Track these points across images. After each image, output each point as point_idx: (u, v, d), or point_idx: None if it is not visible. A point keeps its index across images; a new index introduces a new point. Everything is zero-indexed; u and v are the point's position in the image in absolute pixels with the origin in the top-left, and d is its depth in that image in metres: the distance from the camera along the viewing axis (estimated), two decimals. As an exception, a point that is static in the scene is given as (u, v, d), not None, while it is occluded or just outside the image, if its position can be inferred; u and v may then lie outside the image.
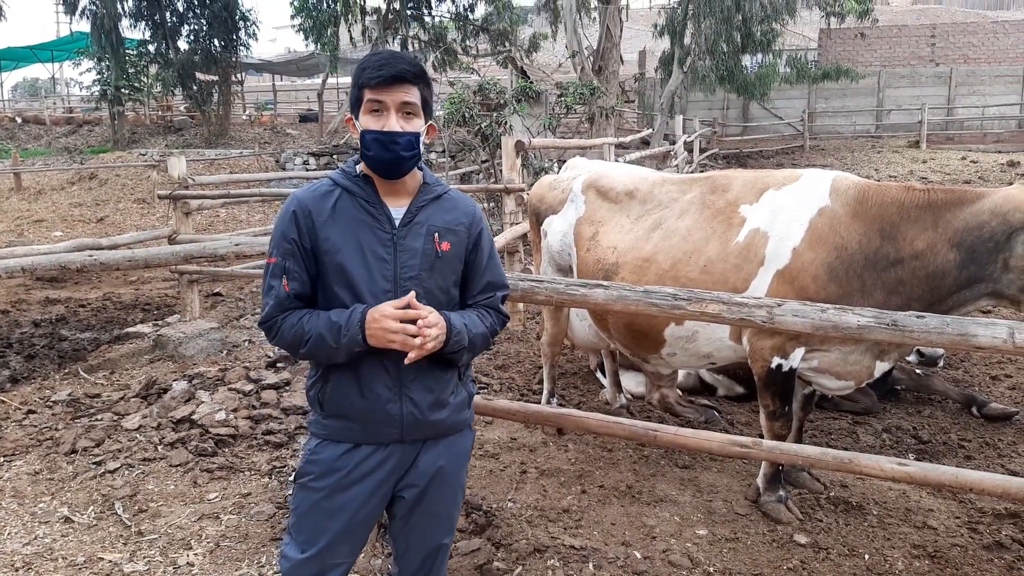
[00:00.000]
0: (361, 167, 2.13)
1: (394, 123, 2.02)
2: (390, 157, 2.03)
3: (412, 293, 2.02)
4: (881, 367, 3.46)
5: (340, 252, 2.05)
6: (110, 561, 3.27)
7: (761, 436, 3.63)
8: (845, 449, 4.18)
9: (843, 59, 26.94)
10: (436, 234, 2.11)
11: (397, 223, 2.09)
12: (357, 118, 2.08)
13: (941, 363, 5.24)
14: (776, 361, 3.41)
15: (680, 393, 5.12)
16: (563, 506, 3.70)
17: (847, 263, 3.27)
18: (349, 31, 24.14)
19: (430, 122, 2.14)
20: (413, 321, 1.98)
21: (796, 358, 3.41)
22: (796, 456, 2.95)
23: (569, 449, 4.35)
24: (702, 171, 14.96)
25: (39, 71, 55.96)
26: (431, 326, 1.99)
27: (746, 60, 22.92)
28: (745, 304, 2.65)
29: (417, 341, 1.97)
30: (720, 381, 5.23)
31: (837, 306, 2.61)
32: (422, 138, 2.09)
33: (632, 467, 4.13)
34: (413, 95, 2.05)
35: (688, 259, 3.64)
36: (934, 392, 5.20)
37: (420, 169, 2.18)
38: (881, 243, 3.24)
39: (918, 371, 5.27)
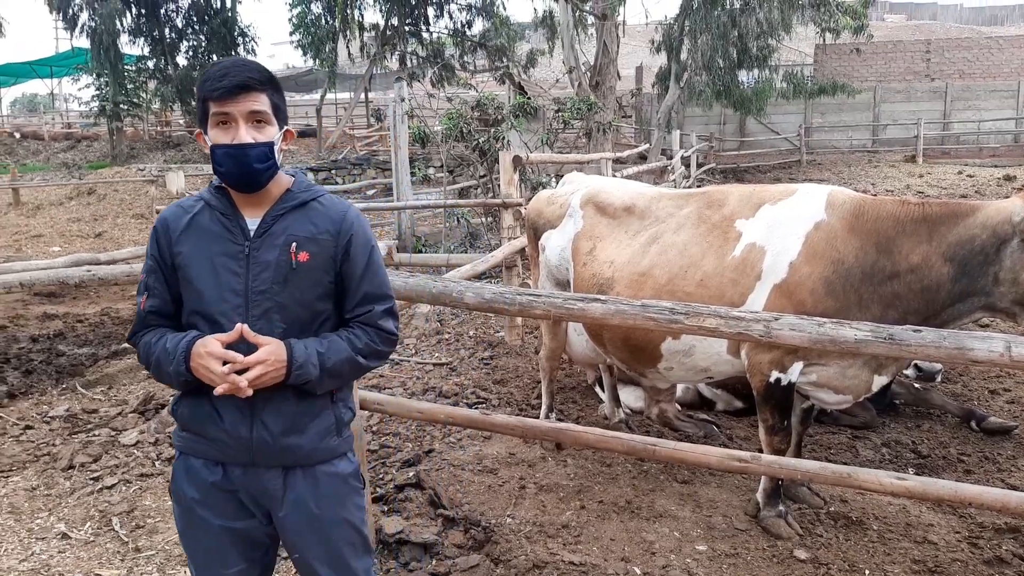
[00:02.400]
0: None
1: (244, 134, 1.91)
2: (242, 171, 1.93)
3: (240, 327, 1.89)
4: (879, 381, 3.47)
5: (191, 267, 1.97)
6: (107, 578, 3.26)
7: (760, 450, 3.63)
8: (844, 463, 4.18)
9: (839, 74, 27.09)
10: (294, 244, 1.97)
11: (252, 234, 1.98)
12: (206, 132, 1.96)
13: (939, 377, 5.24)
14: (774, 375, 3.41)
15: (679, 407, 5.11)
16: (562, 521, 3.69)
17: (844, 277, 3.28)
18: (347, 47, 24.30)
19: (286, 127, 2.02)
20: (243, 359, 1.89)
21: (794, 372, 3.41)
22: (795, 470, 2.94)
23: (568, 464, 4.34)
24: (699, 186, 15.02)
25: (38, 86, 56.15)
26: (260, 362, 1.88)
27: (742, 75, 23.05)
28: (743, 318, 2.66)
29: (241, 382, 1.86)
30: (719, 395, 5.23)
31: (834, 320, 2.61)
32: (277, 146, 1.98)
33: (631, 482, 4.12)
34: (262, 103, 1.93)
35: (684, 273, 3.64)
36: (933, 406, 5.20)
37: (293, 176, 2.08)
38: (877, 257, 3.26)
39: (916, 385, 5.27)
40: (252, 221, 2.00)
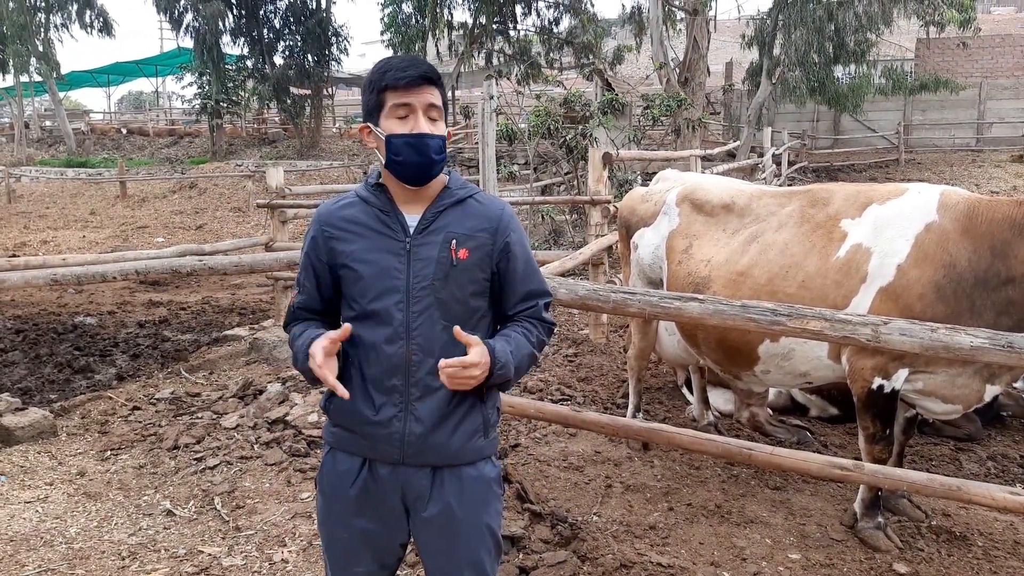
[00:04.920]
0: (379, 176, 2.05)
1: (423, 125, 1.93)
2: (422, 160, 1.93)
3: (346, 327, 1.94)
4: (991, 391, 3.30)
5: (353, 263, 1.98)
6: (209, 554, 3.40)
7: (859, 459, 3.50)
8: (948, 476, 4.00)
9: (942, 70, 25.82)
10: (454, 241, 1.97)
11: (412, 230, 1.99)
12: (377, 124, 1.97)
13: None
14: (877, 382, 3.29)
15: (770, 412, 4.99)
16: (649, 522, 3.65)
17: (956, 282, 3.14)
18: (436, 46, 24.62)
19: (448, 128, 2.04)
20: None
21: (899, 379, 3.28)
22: (900, 481, 2.84)
23: (655, 465, 4.30)
24: (790, 184, 14.60)
25: (143, 85, 58.85)
26: (475, 364, 1.86)
27: (838, 71, 22.27)
28: (849, 321, 2.57)
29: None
30: (813, 401, 5.07)
31: (948, 326, 2.51)
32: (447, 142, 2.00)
33: (721, 486, 4.04)
34: (437, 97, 1.96)
35: (785, 274, 3.55)
36: (1044, 420, 4.93)
37: (447, 174, 2.08)
38: (992, 261, 3.11)
39: (1026, 397, 5.00)
40: (411, 218, 2.00)
